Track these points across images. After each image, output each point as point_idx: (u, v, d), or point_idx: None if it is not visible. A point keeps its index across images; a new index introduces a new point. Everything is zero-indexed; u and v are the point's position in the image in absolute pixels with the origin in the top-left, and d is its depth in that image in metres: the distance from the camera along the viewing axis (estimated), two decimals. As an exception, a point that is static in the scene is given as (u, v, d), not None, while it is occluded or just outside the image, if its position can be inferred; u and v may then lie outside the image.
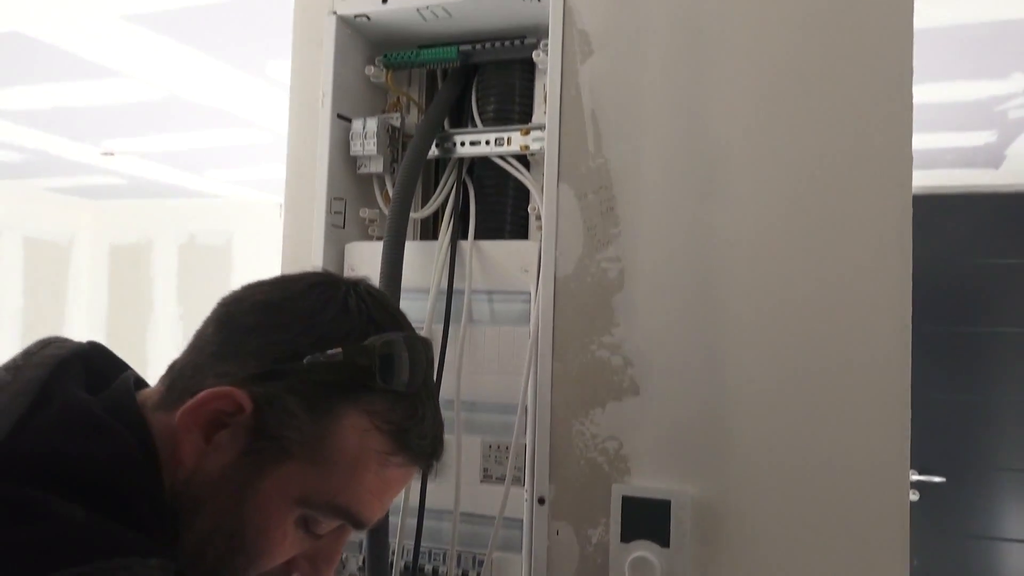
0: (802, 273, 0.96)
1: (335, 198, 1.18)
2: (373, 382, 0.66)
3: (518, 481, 1.08)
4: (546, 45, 1.10)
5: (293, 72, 1.24)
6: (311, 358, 0.65)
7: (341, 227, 1.20)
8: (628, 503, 1.00)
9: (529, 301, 1.09)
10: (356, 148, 1.19)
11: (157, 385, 0.71)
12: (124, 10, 2.44)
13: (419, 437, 0.69)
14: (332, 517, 0.68)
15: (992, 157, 3.66)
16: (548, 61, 1.09)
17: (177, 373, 0.69)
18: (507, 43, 1.18)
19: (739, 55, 1.00)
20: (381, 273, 1.05)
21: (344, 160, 1.20)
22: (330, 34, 1.19)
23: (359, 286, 0.72)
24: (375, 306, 0.70)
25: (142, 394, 0.70)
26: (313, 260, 1.17)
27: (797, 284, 0.96)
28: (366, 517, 0.69)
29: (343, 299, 0.69)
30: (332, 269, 1.18)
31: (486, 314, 1.12)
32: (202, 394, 0.64)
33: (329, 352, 0.65)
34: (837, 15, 0.97)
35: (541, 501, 1.04)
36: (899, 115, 0.94)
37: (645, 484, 1.01)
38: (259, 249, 5.21)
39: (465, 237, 1.16)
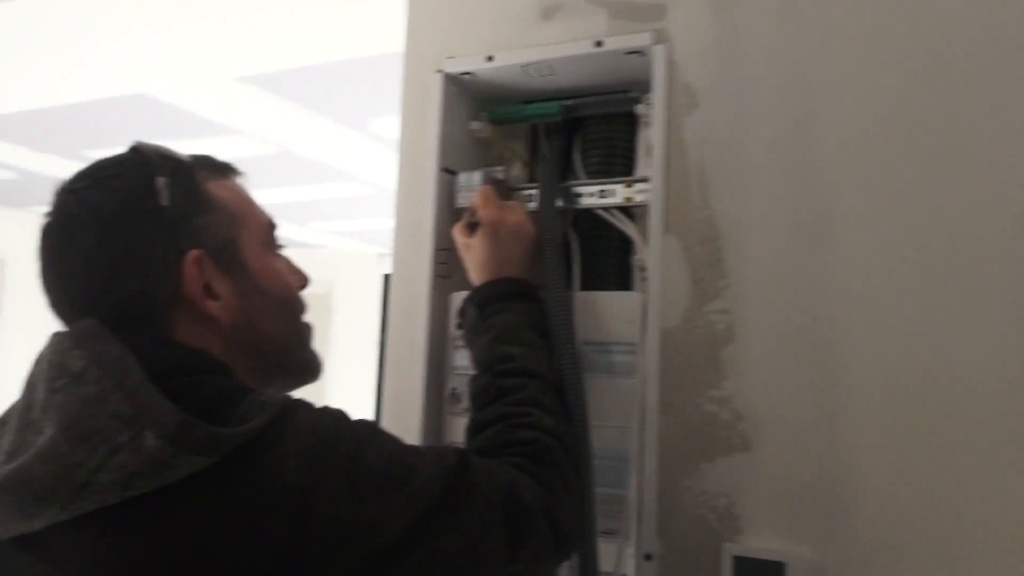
0: (924, 330, 0.92)
1: (441, 249, 1.20)
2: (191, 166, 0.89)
3: (612, 535, 1.05)
4: (649, 98, 1.11)
5: (402, 128, 1.28)
6: (164, 183, 0.83)
7: (447, 277, 1.22)
8: (740, 563, 0.97)
9: (633, 352, 1.08)
10: (462, 200, 1.21)
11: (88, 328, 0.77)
12: (238, 72, 2.57)
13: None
14: (270, 231, 0.95)
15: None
16: (653, 114, 1.09)
17: (121, 305, 0.80)
18: (609, 96, 1.19)
19: (851, 108, 0.98)
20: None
21: (450, 212, 1.22)
22: (437, 91, 1.23)
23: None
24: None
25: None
26: (420, 309, 1.19)
27: (918, 340, 0.93)
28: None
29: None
30: (438, 318, 1.20)
31: (590, 364, 1.12)
32: (186, 273, 0.81)
33: (170, 171, 0.85)
34: (961, 67, 0.94)
35: (648, 557, 1.02)
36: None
37: (758, 544, 0.97)
38: (358, 296, 5.33)
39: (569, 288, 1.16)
